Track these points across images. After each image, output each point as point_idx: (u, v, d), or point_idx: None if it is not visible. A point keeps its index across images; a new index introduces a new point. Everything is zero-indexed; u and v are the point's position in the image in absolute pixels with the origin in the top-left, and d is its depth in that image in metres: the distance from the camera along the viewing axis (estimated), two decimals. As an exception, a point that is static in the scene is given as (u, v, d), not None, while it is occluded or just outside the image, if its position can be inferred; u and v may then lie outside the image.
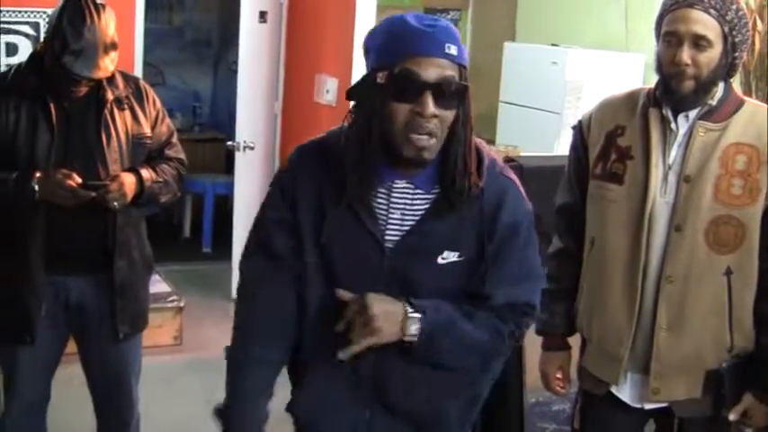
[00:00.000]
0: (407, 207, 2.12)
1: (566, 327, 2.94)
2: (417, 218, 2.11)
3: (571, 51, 6.85)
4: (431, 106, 1.98)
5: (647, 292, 2.65)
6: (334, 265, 2.16)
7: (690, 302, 2.61)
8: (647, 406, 2.77)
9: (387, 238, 2.12)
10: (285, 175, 2.24)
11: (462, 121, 2.07)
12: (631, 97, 2.74)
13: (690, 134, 2.60)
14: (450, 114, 2.03)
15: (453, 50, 2.00)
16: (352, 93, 2.10)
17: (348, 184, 2.08)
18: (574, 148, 2.88)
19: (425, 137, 2.00)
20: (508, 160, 3.81)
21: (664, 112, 2.62)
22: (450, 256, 2.11)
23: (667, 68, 2.57)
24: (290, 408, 2.28)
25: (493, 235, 2.13)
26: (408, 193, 2.12)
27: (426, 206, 2.12)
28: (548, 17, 8.00)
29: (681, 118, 2.61)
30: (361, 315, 2.06)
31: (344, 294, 2.11)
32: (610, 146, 2.71)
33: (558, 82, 6.71)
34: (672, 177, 2.61)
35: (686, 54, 2.51)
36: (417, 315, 2.07)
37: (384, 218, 2.12)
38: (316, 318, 2.19)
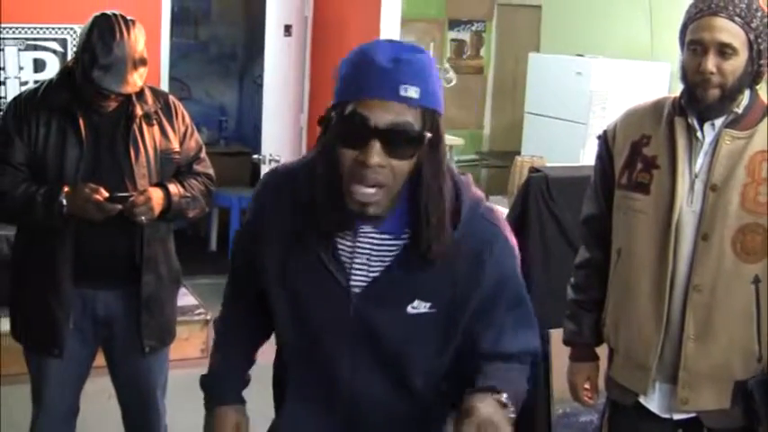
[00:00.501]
0: (373, 253, 1.94)
1: (593, 337, 2.93)
2: (385, 264, 1.94)
3: (596, 61, 6.84)
4: (375, 156, 1.77)
5: (675, 302, 2.63)
6: (301, 307, 2.02)
7: (717, 312, 2.59)
8: (676, 416, 2.75)
9: (353, 283, 1.95)
10: (253, 207, 2.12)
11: (431, 171, 1.86)
12: (656, 106, 2.73)
13: (716, 142, 2.58)
14: (404, 164, 1.81)
15: (412, 93, 1.78)
16: (321, 121, 1.91)
17: (305, 232, 1.94)
18: (599, 158, 2.87)
19: (370, 189, 1.81)
20: (534, 170, 3.81)
21: (689, 120, 2.61)
22: (421, 307, 1.94)
23: (692, 77, 2.55)
24: None
25: (474, 291, 1.96)
26: (375, 239, 1.94)
27: (395, 252, 1.94)
28: (572, 27, 7.98)
29: (707, 126, 2.60)
30: (491, 427, 1.79)
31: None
32: (635, 155, 2.70)
33: (583, 92, 6.70)
34: (698, 186, 2.59)
35: (711, 62, 2.50)
36: (505, 395, 1.87)
37: (349, 263, 1.95)
38: (290, 358, 2.14)
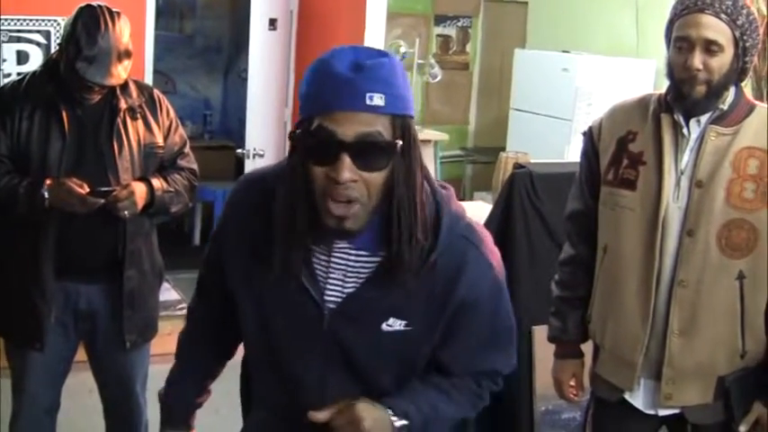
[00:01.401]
0: (349, 269, 1.88)
1: (578, 334, 2.93)
2: (360, 281, 1.88)
3: (582, 58, 6.86)
4: (346, 172, 1.70)
5: (661, 298, 2.63)
6: (270, 320, 1.96)
7: (702, 307, 2.59)
8: (661, 412, 2.75)
9: (327, 299, 1.89)
10: (225, 213, 2.05)
11: (403, 180, 1.77)
12: (642, 103, 2.73)
13: (701, 139, 2.58)
14: (376, 176, 1.74)
15: (378, 100, 1.70)
16: (291, 136, 1.83)
17: (277, 250, 1.84)
18: (584, 154, 2.86)
19: (344, 204, 1.74)
20: (518, 167, 3.80)
21: (675, 117, 2.61)
22: (396, 324, 1.88)
23: (679, 74, 2.55)
24: None
25: (445, 310, 1.90)
26: (350, 255, 1.87)
27: (370, 269, 1.87)
28: (558, 24, 8.00)
29: (693, 123, 2.60)
30: (353, 427, 1.86)
31: (318, 415, 1.89)
32: (621, 152, 2.70)
33: (568, 88, 6.71)
34: (684, 182, 2.60)
35: (698, 59, 2.50)
36: (404, 422, 1.91)
37: (323, 278, 1.89)
38: (257, 369, 2.13)
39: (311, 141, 1.73)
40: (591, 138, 2.83)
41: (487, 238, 1.97)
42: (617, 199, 2.70)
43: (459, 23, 9.22)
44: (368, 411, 1.88)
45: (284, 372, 2.00)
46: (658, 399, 2.71)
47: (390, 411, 1.91)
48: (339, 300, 1.90)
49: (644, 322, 2.65)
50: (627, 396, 2.77)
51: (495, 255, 1.97)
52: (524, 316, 3.68)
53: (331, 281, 1.89)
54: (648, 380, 2.72)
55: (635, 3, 6.89)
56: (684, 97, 2.56)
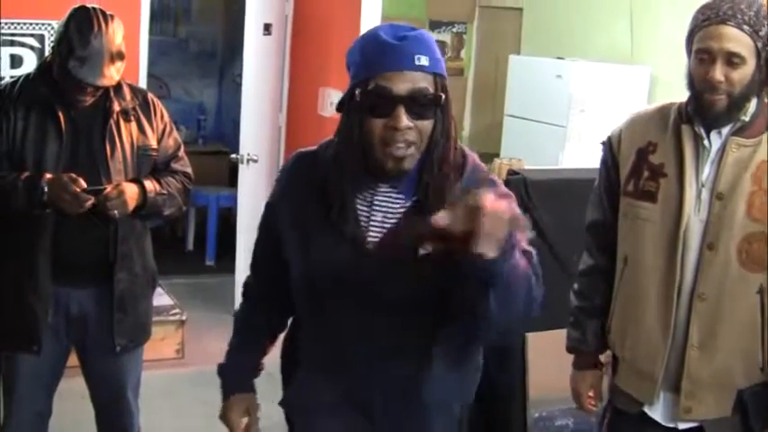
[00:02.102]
0: (389, 210, 2.14)
1: (597, 344, 2.91)
2: (399, 218, 2.14)
3: (576, 65, 6.85)
4: (404, 119, 2.00)
5: (681, 311, 2.61)
6: (318, 269, 2.20)
7: (722, 321, 2.56)
8: (681, 426, 2.71)
9: (368, 239, 2.14)
10: (276, 186, 2.35)
11: (441, 130, 2.09)
12: (662, 113, 2.70)
13: (722, 151, 2.55)
14: (427, 124, 2.06)
15: (424, 61, 2.02)
16: (339, 106, 2.15)
17: (330, 194, 2.13)
18: (603, 163, 2.84)
19: (402, 146, 2.03)
20: (512, 173, 3.80)
21: (696, 128, 2.58)
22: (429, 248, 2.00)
23: (700, 85, 2.52)
24: (282, 403, 2.43)
25: None
26: (391, 197, 2.14)
27: (406, 209, 2.14)
28: (553, 30, 8.00)
29: (713, 134, 2.57)
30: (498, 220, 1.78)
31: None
32: (641, 163, 2.68)
33: (562, 95, 6.70)
34: (705, 195, 2.57)
35: (719, 72, 2.47)
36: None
37: (366, 220, 2.15)
38: (305, 322, 2.35)
39: (371, 98, 2.03)
40: (610, 147, 2.80)
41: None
42: (637, 211, 2.68)
43: (454, 29, 9.22)
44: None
45: (329, 318, 2.22)
46: (678, 412, 2.67)
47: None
48: (378, 237, 2.14)
49: (664, 335, 2.63)
50: (646, 409, 2.74)
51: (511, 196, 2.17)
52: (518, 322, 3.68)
53: (373, 223, 2.15)
54: (668, 393, 2.70)
55: (629, 10, 6.89)
56: (705, 109, 2.53)
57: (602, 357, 2.97)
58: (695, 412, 2.65)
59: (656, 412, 2.73)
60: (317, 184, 2.17)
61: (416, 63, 2.01)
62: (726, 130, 2.56)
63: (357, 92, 2.05)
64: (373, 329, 2.17)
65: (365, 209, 2.15)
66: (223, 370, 2.49)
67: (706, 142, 2.57)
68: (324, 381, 2.29)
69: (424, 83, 2.03)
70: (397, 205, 2.14)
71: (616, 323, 2.81)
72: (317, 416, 2.32)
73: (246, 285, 2.54)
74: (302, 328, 2.37)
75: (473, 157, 2.22)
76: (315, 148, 2.30)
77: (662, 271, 2.62)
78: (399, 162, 2.04)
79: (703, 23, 2.52)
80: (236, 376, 2.48)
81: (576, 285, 2.98)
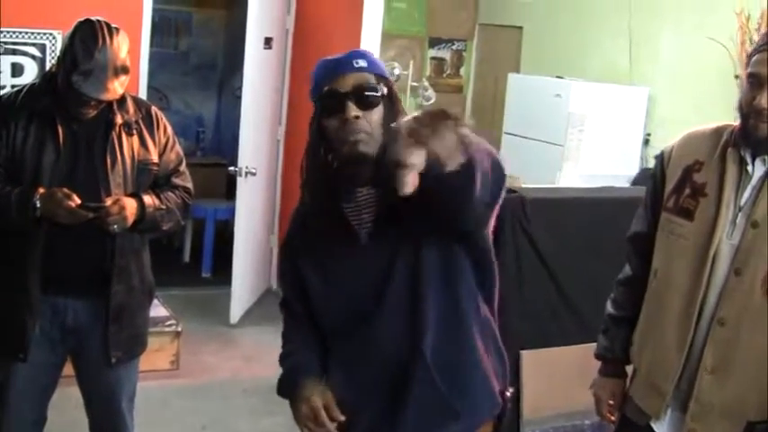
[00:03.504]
0: (372, 206, 2.36)
1: (624, 354, 2.90)
2: (383, 214, 2.34)
3: (575, 84, 6.87)
4: (352, 110, 2.27)
5: (699, 332, 2.59)
6: (330, 278, 2.43)
7: (738, 348, 2.54)
8: None
9: (364, 233, 2.36)
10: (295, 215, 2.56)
11: (390, 119, 2.27)
12: (716, 133, 2.68)
13: (765, 178, 2.53)
14: (375, 113, 2.30)
15: (362, 63, 2.34)
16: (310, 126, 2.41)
17: (313, 207, 2.41)
18: (653, 177, 2.83)
19: (356, 134, 2.26)
20: (509, 191, 3.81)
21: (742, 153, 2.56)
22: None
23: (746, 110, 2.51)
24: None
25: None
26: (371, 194, 2.36)
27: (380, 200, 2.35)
28: (552, 49, 8.03)
29: (758, 161, 2.54)
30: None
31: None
32: (685, 180, 2.67)
33: (561, 114, 6.73)
34: (741, 220, 2.54)
35: (766, 99, 2.44)
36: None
37: (358, 222, 2.36)
38: (329, 330, 2.48)
39: (323, 102, 2.32)
40: (661, 162, 2.79)
41: None
42: (673, 227, 2.67)
43: (454, 47, 9.26)
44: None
45: (350, 317, 2.40)
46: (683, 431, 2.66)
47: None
48: (371, 232, 2.35)
49: (680, 354, 2.61)
50: (653, 423, 2.74)
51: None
52: (512, 340, 3.68)
53: (364, 219, 2.35)
54: (676, 411, 2.68)
55: (628, 30, 6.93)
56: (749, 134, 2.51)
57: (628, 369, 2.96)
58: None
59: (662, 428, 2.72)
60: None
61: (355, 66, 2.33)
62: None
63: (315, 103, 2.35)
64: (390, 311, 2.34)
65: (354, 212, 2.37)
66: (287, 372, 2.52)
67: (749, 167, 2.55)
68: (356, 375, 2.43)
69: (367, 79, 2.32)
70: (379, 203, 2.35)
71: (638, 334, 2.81)
72: (359, 392, 2.41)
73: (283, 301, 2.63)
74: (330, 333, 2.49)
75: None
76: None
77: (686, 290, 2.61)
78: (354, 146, 2.25)
79: (759, 48, 2.50)
80: (303, 369, 2.47)
81: (612, 293, 2.98)
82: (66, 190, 3.03)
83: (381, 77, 2.37)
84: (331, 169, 2.36)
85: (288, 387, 2.46)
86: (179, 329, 5.69)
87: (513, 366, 3.71)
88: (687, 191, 2.65)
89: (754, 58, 2.50)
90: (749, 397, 2.56)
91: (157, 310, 5.67)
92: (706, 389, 2.58)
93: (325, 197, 2.39)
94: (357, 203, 2.37)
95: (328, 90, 2.32)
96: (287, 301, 2.60)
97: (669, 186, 2.72)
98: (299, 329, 2.56)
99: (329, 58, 2.40)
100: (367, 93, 2.31)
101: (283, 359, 2.56)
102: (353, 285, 2.39)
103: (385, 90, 2.35)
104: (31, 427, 3.40)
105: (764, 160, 2.53)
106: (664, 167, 2.77)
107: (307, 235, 2.48)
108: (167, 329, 5.65)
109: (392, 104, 2.36)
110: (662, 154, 2.81)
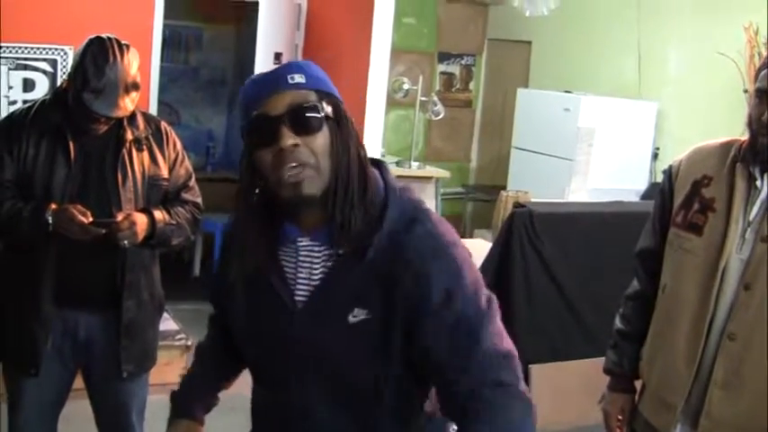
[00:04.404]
0: (314, 264, 1.97)
1: (633, 369, 2.89)
2: (323, 275, 1.96)
3: (584, 98, 6.88)
4: (287, 138, 1.85)
5: (710, 347, 2.58)
6: (251, 332, 2.08)
7: (749, 363, 2.52)
8: None
9: (297, 299, 1.98)
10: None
11: (339, 147, 1.91)
12: (724, 148, 2.67)
13: None
14: (318, 140, 1.88)
15: (299, 78, 1.91)
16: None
17: (246, 249, 2.00)
18: (661, 192, 2.82)
19: (295, 170, 1.86)
20: (518, 206, 3.83)
21: (751, 168, 2.56)
22: (360, 315, 1.92)
23: (755, 125, 2.51)
24: None
25: (399, 285, 1.90)
26: (314, 251, 1.97)
27: (331, 263, 1.96)
28: (561, 64, 8.04)
29: (767, 176, 2.54)
30: None
31: None
32: (694, 195, 2.66)
33: (570, 128, 6.73)
34: (750, 235, 2.54)
35: None
36: None
37: (293, 278, 1.99)
38: (253, 380, 2.18)
39: (253, 130, 1.90)
40: (669, 176, 2.78)
41: (440, 220, 2.00)
42: (682, 242, 2.66)
43: (463, 61, 9.29)
44: None
45: (269, 379, 2.09)
46: None
47: None
48: (306, 299, 1.97)
49: (689, 369, 2.60)
50: None
51: (448, 232, 1.98)
52: (521, 355, 3.68)
53: (300, 280, 1.98)
54: (686, 426, 2.67)
55: (637, 45, 6.94)
56: (758, 150, 2.51)
57: (637, 383, 2.96)
58: None
59: None
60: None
61: (290, 82, 1.90)
62: None
63: (243, 134, 1.93)
64: (313, 383, 2.00)
65: (291, 264, 1.99)
66: (174, 395, 2.31)
67: (758, 182, 2.54)
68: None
69: (305, 98, 1.89)
70: (322, 260, 1.96)
71: (647, 349, 2.80)
72: None
73: (211, 318, 2.39)
74: (253, 385, 2.20)
75: (406, 196, 2.00)
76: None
77: (696, 305, 2.60)
78: (297, 187, 1.87)
79: None
80: (186, 401, 2.28)
81: (621, 308, 2.97)
82: (79, 206, 3.05)
83: (324, 94, 1.93)
84: (266, 215, 1.97)
85: (171, 410, 2.28)
86: (189, 343, 5.70)
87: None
88: (696, 206, 2.64)
89: (763, 73, 2.50)
90: (760, 411, 2.55)
91: (167, 323, 5.68)
92: (717, 404, 2.57)
93: (258, 251, 1.98)
94: (297, 258, 1.99)
95: (257, 115, 1.89)
96: (211, 317, 2.39)
97: (677, 201, 2.71)
98: (208, 349, 2.36)
99: (258, 74, 1.98)
100: (306, 114, 1.88)
101: (183, 378, 2.35)
102: (263, 339, 2.06)
103: (329, 109, 1.91)
104: (41, 441, 3.41)
105: None
106: (672, 182, 2.76)
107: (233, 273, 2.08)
108: (177, 343, 5.66)
109: (340, 126, 1.93)
110: (670, 169, 2.80)
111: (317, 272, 1.96)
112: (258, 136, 1.89)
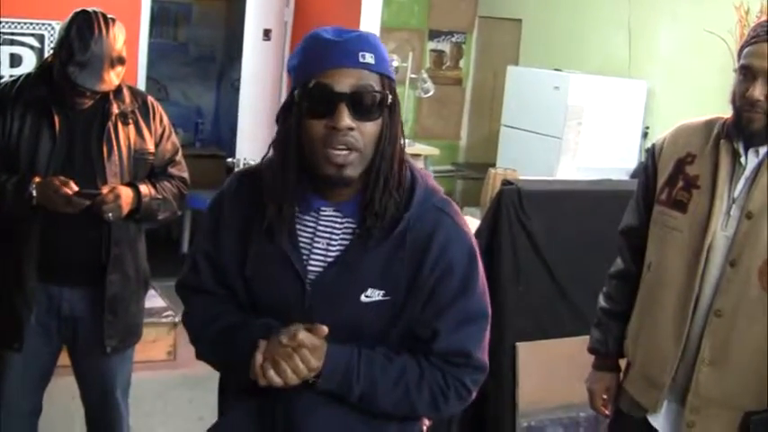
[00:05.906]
0: (333, 236, 1.96)
1: (617, 348, 2.91)
2: (342, 248, 1.96)
3: (573, 76, 6.88)
4: (345, 118, 1.83)
5: (696, 324, 2.59)
6: (257, 299, 2.03)
7: (735, 339, 2.53)
8: None
9: (309, 269, 1.96)
10: (215, 202, 2.13)
11: (388, 136, 1.92)
12: (708, 126, 2.68)
13: (758, 170, 2.53)
14: (371, 127, 1.88)
15: (369, 59, 1.87)
16: (278, 115, 1.97)
17: (267, 212, 1.95)
18: (644, 170, 2.83)
19: (344, 152, 1.86)
20: (506, 183, 3.81)
21: (735, 145, 2.56)
22: (374, 295, 1.94)
23: (739, 102, 2.50)
24: None
25: (420, 275, 1.94)
26: (336, 222, 1.97)
27: (352, 236, 1.96)
28: (552, 42, 8.03)
29: (751, 153, 2.54)
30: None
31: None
32: (678, 173, 2.67)
33: (559, 106, 6.73)
34: (735, 211, 2.54)
35: (759, 90, 2.44)
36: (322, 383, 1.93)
37: (308, 247, 1.97)
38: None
39: (310, 97, 1.87)
40: (653, 155, 2.79)
41: (461, 215, 2.05)
42: (666, 219, 2.67)
43: (453, 39, 9.26)
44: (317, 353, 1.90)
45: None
46: (680, 425, 2.65)
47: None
48: (320, 269, 1.96)
49: (676, 346, 2.61)
50: (649, 416, 2.73)
51: (468, 228, 2.04)
52: (508, 332, 3.68)
53: (315, 250, 1.97)
54: (673, 403, 2.68)
55: (628, 23, 6.92)
56: (743, 126, 2.51)
57: (622, 362, 2.97)
58: (699, 427, 2.61)
59: (659, 421, 2.72)
60: (260, 206, 1.98)
61: (361, 60, 1.86)
62: (764, 150, 2.53)
63: (296, 93, 1.90)
64: None
65: (309, 233, 1.98)
66: (225, 330, 2.06)
67: (743, 159, 2.55)
68: (255, 414, 2.06)
69: (370, 81, 1.87)
70: (343, 232, 1.96)
71: (632, 327, 2.81)
72: None
73: (182, 284, 2.19)
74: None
75: (426, 178, 2.03)
76: (258, 166, 2.07)
77: (682, 282, 2.61)
78: (340, 169, 1.87)
79: (751, 41, 2.50)
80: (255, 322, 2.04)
81: (604, 287, 2.98)
82: (62, 178, 3.04)
83: (387, 79, 1.92)
84: (297, 168, 1.93)
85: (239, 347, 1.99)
86: (176, 320, 5.68)
87: (509, 358, 3.73)
88: (680, 183, 2.65)
89: (746, 50, 2.50)
90: (747, 387, 2.56)
91: (154, 300, 5.67)
92: (704, 381, 2.58)
93: (294, 195, 1.94)
94: (317, 228, 1.98)
95: (318, 85, 1.85)
96: (182, 281, 2.18)
97: (661, 179, 2.72)
98: (208, 298, 2.13)
99: (327, 36, 1.91)
100: (369, 101, 1.87)
101: (207, 325, 2.08)
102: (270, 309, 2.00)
103: (390, 98, 1.91)
104: (27, 417, 3.41)
105: (757, 152, 2.54)
106: (655, 160, 2.77)
107: (243, 232, 2.03)
108: (164, 320, 5.65)
109: (392, 115, 1.93)
110: (653, 147, 2.81)
111: (334, 244, 1.97)
112: (315, 106, 1.87)
